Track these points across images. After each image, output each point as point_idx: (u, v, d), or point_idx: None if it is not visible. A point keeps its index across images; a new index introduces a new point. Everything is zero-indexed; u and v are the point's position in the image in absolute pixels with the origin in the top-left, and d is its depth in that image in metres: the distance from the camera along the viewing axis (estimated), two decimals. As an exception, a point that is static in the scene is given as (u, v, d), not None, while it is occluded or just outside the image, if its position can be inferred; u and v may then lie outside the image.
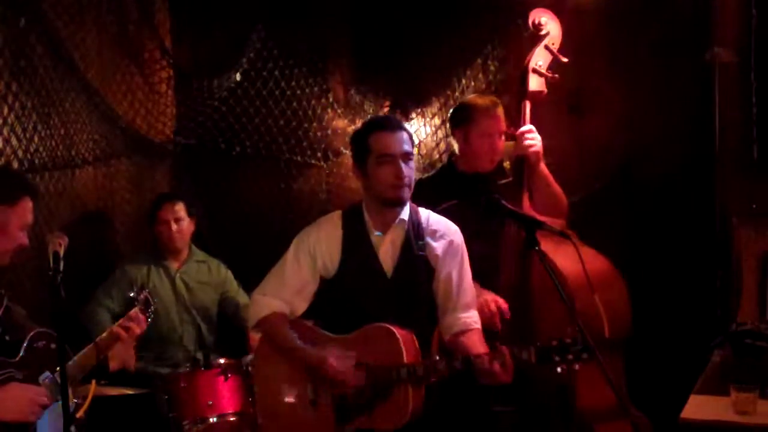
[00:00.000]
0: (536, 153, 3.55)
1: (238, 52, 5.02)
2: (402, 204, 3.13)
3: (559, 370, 2.80)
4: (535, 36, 3.59)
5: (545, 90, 3.60)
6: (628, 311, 3.51)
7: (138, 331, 3.46)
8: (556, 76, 3.60)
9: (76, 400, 3.06)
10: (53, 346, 2.97)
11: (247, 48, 5.00)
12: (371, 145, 3.09)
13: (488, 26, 4.64)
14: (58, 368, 2.86)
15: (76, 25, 4.39)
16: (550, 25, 3.58)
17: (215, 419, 3.72)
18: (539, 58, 3.57)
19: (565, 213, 3.66)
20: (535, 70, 3.57)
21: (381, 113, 4.98)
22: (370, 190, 3.14)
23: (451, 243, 3.20)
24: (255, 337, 4.41)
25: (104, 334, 3.37)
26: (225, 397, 3.76)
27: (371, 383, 3.00)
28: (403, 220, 3.16)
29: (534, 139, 3.55)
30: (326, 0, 5.05)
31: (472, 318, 3.19)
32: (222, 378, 3.75)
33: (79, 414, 3.05)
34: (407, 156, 3.08)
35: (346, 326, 3.11)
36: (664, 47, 4.22)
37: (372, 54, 4.97)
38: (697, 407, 3.04)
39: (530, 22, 3.59)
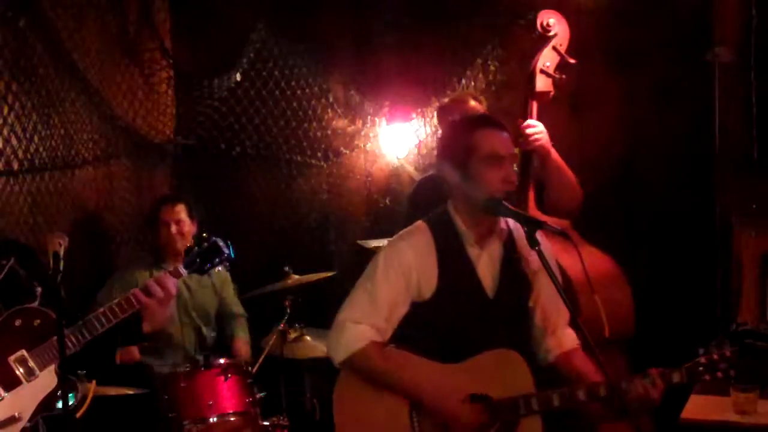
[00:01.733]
0: (542, 146, 3.54)
1: (238, 52, 5.02)
2: None
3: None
4: (544, 37, 3.59)
5: (552, 90, 3.61)
6: (631, 311, 3.51)
7: (162, 295, 3.13)
8: (564, 76, 3.60)
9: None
10: (36, 323, 2.93)
11: (247, 48, 5.00)
12: (478, 143, 2.74)
13: (488, 26, 4.64)
14: (35, 346, 2.86)
15: (76, 25, 4.40)
16: (558, 26, 3.58)
17: (215, 419, 3.70)
18: (547, 59, 3.58)
19: (580, 201, 3.60)
20: (542, 71, 3.58)
21: (381, 113, 4.98)
22: (469, 194, 2.78)
23: (548, 253, 2.87)
24: (242, 342, 4.43)
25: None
26: (225, 397, 3.75)
27: (494, 420, 2.70)
28: (503, 230, 2.85)
29: (538, 132, 3.54)
30: (327, 0, 5.05)
31: (573, 334, 2.93)
32: (222, 378, 3.74)
33: (79, 414, 3.04)
34: (514, 158, 2.81)
35: (440, 354, 2.76)
36: (664, 47, 4.22)
37: (372, 54, 4.98)
38: (697, 407, 3.04)
39: (539, 24, 3.58)
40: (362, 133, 5.08)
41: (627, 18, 4.29)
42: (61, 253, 2.83)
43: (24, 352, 2.92)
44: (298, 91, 5.06)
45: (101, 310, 3.05)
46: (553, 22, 3.57)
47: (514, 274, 2.85)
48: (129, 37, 4.85)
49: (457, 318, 2.78)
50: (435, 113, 3.85)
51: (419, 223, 2.89)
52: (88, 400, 3.07)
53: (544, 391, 2.72)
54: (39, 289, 2.91)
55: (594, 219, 3.76)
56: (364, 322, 2.78)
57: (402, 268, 2.78)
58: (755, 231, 3.93)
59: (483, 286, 2.82)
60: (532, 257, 2.85)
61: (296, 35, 5.03)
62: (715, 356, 2.66)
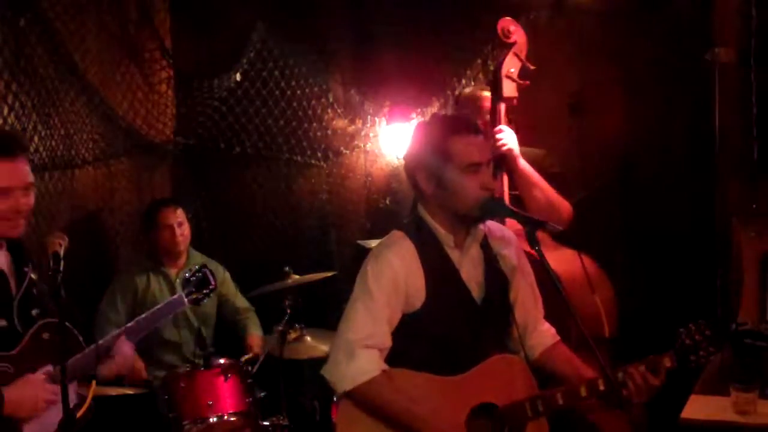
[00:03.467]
0: (508, 150, 3.52)
1: (238, 52, 5.02)
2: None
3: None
4: (504, 44, 3.62)
5: (517, 95, 3.61)
6: (616, 311, 3.51)
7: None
8: (527, 82, 3.60)
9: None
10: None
11: (247, 48, 5.00)
12: (454, 152, 2.65)
13: (488, 26, 4.64)
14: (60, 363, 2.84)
15: (76, 25, 4.39)
16: (517, 33, 3.62)
17: (215, 419, 3.71)
18: (510, 65, 3.60)
19: (564, 220, 3.54)
20: (508, 77, 3.59)
21: (381, 113, 4.98)
22: (445, 203, 2.70)
23: (517, 248, 2.86)
24: (255, 338, 4.44)
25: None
26: (225, 397, 3.75)
27: (501, 427, 2.66)
28: (481, 231, 2.78)
29: (504, 138, 3.53)
30: (326, 0, 5.05)
31: (552, 329, 2.91)
32: (222, 378, 3.75)
33: (79, 414, 3.03)
34: (490, 162, 2.73)
35: (432, 365, 2.69)
36: (664, 47, 4.22)
37: (372, 54, 4.98)
38: (697, 407, 3.04)
39: (500, 30, 3.61)
40: (362, 133, 5.08)
41: (627, 18, 4.29)
42: (61, 253, 2.82)
43: (50, 366, 2.90)
44: (298, 91, 5.05)
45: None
46: (513, 29, 3.61)
47: (496, 275, 2.79)
48: (129, 37, 4.85)
49: (447, 327, 2.70)
50: (454, 101, 3.81)
51: (396, 231, 2.79)
52: (88, 400, 3.06)
53: (549, 391, 2.70)
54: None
55: (594, 219, 3.76)
56: (372, 345, 2.66)
57: (392, 280, 2.67)
58: (755, 231, 3.92)
59: (470, 291, 2.75)
60: (508, 252, 2.83)
61: (296, 35, 5.03)
62: (697, 336, 2.65)
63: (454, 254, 2.75)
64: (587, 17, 4.28)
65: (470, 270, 2.76)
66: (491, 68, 4.62)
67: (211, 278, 3.46)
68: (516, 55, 3.59)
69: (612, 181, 4.28)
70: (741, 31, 4.01)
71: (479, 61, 4.68)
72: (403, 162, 3.04)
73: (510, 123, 3.62)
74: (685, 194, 4.21)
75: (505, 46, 3.61)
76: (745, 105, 4.01)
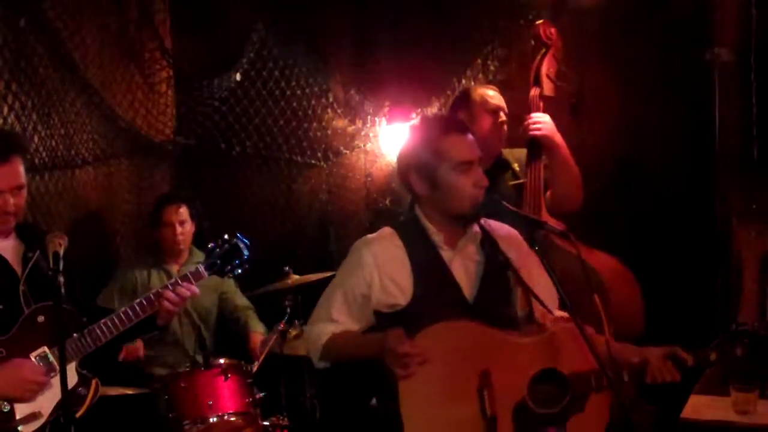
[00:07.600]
0: (545, 135, 3.58)
1: (238, 52, 5.02)
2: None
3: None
4: (546, 45, 3.72)
5: (554, 95, 3.73)
6: (641, 310, 3.53)
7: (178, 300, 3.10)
8: (563, 84, 3.74)
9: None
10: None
11: (247, 48, 5.00)
12: (447, 151, 2.68)
13: (488, 26, 4.65)
14: (57, 343, 2.85)
15: (76, 25, 4.39)
16: (555, 36, 3.74)
17: (215, 419, 3.71)
18: (550, 66, 3.71)
19: (581, 202, 3.65)
20: (548, 77, 3.71)
21: (381, 113, 4.98)
22: (438, 203, 2.73)
23: (520, 243, 2.81)
24: (257, 336, 4.45)
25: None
26: (225, 397, 3.75)
27: (564, 392, 2.64)
28: (477, 231, 2.78)
29: (538, 123, 3.59)
30: (326, 0, 5.05)
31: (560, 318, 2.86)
32: (222, 378, 3.75)
33: (79, 414, 3.04)
34: (480, 161, 2.74)
35: None
36: (664, 47, 4.23)
37: (372, 54, 4.98)
38: (697, 407, 3.05)
39: (543, 33, 3.71)
40: (362, 133, 5.09)
41: (626, 18, 4.29)
42: (61, 253, 2.83)
43: (45, 348, 2.92)
44: (298, 91, 5.06)
45: (123, 309, 3.04)
46: (553, 31, 3.73)
47: (497, 275, 2.76)
48: (129, 37, 4.85)
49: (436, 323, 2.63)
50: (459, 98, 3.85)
51: (385, 228, 2.84)
52: (88, 400, 3.07)
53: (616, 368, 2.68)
54: (62, 279, 2.88)
55: (594, 220, 3.77)
56: (319, 321, 2.82)
57: (360, 276, 2.74)
58: (755, 231, 3.93)
59: (461, 290, 2.72)
60: (513, 251, 2.78)
61: (296, 35, 5.03)
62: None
63: (444, 252, 2.75)
64: (587, 17, 4.28)
65: (462, 269, 2.75)
66: (492, 68, 4.64)
67: (243, 249, 3.22)
68: (554, 56, 3.72)
69: (612, 181, 4.28)
70: (741, 31, 4.01)
71: (479, 61, 4.68)
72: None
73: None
74: (685, 194, 4.21)
75: (543, 47, 3.73)
76: (745, 105, 4.01)
